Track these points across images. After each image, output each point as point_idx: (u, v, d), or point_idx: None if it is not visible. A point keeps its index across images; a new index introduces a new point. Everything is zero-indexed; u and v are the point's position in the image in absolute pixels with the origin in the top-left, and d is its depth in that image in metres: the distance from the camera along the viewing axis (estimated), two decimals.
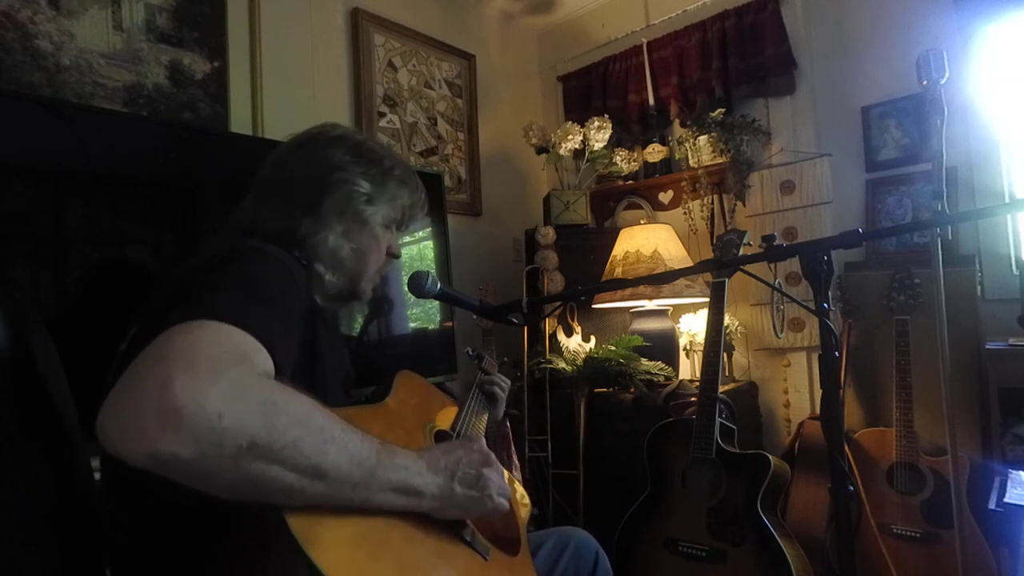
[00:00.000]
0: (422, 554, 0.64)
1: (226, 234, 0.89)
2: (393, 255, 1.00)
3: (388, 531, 0.61)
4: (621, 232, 2.24)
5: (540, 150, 2.40)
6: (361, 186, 0.90)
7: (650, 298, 2.11)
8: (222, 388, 0.50)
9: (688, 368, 2.32)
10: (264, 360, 0.58)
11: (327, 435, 0.56)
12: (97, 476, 0.74)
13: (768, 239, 0.95)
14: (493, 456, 0.75)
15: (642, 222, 2.41)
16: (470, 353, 1.32)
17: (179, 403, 0.47)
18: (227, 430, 0.49)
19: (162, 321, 0.55)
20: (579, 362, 2.00)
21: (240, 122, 1.77)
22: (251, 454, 0.50)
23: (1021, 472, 1.41)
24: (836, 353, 0.85)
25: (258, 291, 0.65)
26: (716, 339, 1.64)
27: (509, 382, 1.20)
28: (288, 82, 1.91)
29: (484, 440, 0.77)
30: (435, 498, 0.65)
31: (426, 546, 0.65)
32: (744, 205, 2.26)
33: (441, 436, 0.91)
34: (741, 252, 1.69)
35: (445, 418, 0.99)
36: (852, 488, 0.84)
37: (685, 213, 2.38)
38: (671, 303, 2.17)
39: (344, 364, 0.90)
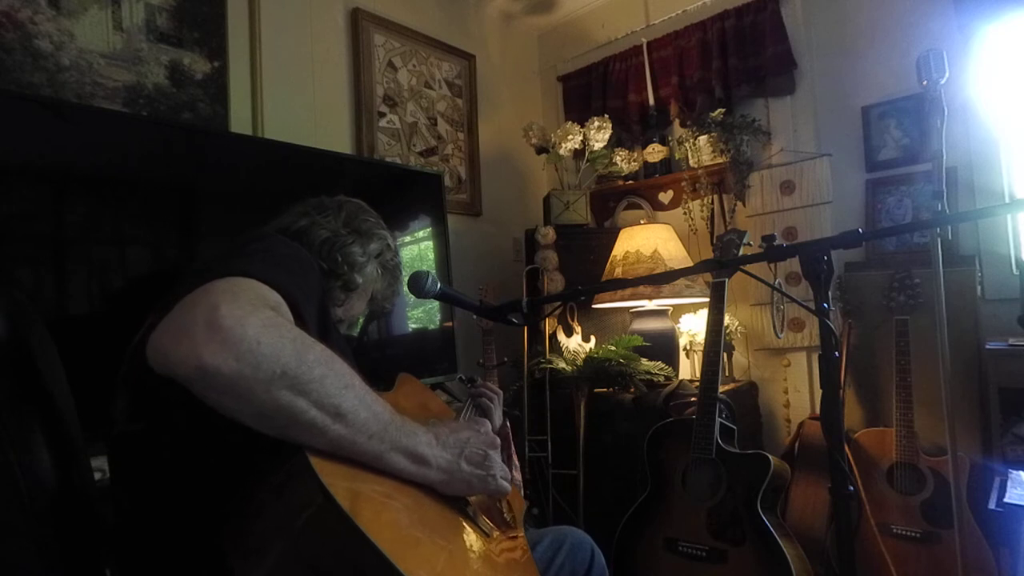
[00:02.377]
0: (431, 514, 0.66)
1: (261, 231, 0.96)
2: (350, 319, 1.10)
3: (398, 488, 0.63)
4: (621, 232, 2.24)
5: (540, 150, 2.40)
6: (392, 245, 1.06)
7: (650, 298, 2.11)
8: (261, 320, 0.56)
9: (688, 368, 2.32)
10: (288, 314, 0.63)
11: (348, 381, 0.61)
12: (98, 476, 0.74)
13: (768, 239, 0.95)
14: (499, 441, 0.78)
15: (642, 222, 2.41)
16: (463, 378, 1.39)
17: (225, 324, 0.53)
18: (264, 356, 0.54)
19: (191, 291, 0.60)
20: (579, 362, 2.00)
21: (240, 122, 1.77)
22: (282, 382, 0.55)
23: (1021, 472, 1.41)
24: (836, 353, 0.85)
25: (283, 265, 0.70)
26: (716, 339, 1.64)
27: (501, 392, 1.23)
28: (288, 82, 1.92)
29: (490, 424, 0.80)
30: (441, 471, 0.68)
31: (434, 508, 0.67)
32: (744, 205, 2.26)
33: None
34: (741, 252, 1.69)
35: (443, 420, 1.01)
36: (852, 488, 0.84)
37: (685, 213, 2.38)
38: (671, 303, 2.17)
39: (351, 364, 0.92)
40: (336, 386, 0.59)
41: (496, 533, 0.79)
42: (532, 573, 0.82)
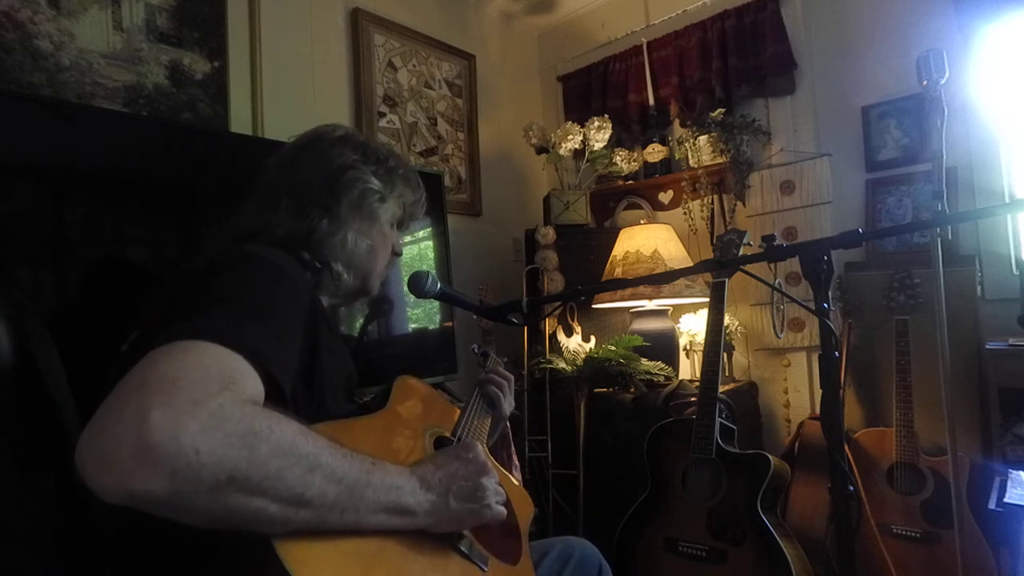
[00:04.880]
0: (416, 568, 0.64)
1: (226, 240, 0.88)
2: (396, 253, 1.02)
3: (381, 545, 0.61)
4: (621, 232, 2.24)
5: (540, 150, 2.40)
6: (373, 184, 0.92)
7: (650, 298, 2.11)
8: (201, 421, 0.48)
9: (688, 368, 2.32)
10: (252, 385, 0.56)
11: (313, 462, 0.55)
12: None
13: (768, 239, 0.95)
14: (489, 464, 0.75)
15: (642, 222, 2.41)
16: (475, 350, 1.30)
17: (155, 439, 0.46)
18: (204, 465, 0.48)
19: (156, 334, 0.55)
20: (579, 362, 2.00)
21: (240, 122, 1.77)
22: (230, 487, 0.49)
23: (1021, 472, 1.41)
24: (836, 353, 0.85)
25: (256, 303, 0.64)
26: (716, 339, 1.64)
27: (511, 377, 1.14)
28: (288, 82, 1.91)
29: (480, 446, 0.76)
30: (429, 515, 0.66)
31: (421, 559, 0.65)
32: (744, 205, 2.26)
33: (441, 442, 0.89)
34: (741, 252, 1.69)
35: (447, 422, 0.97)
36: (852, 488, 0.84)
37: (685, 213, 2.38)
38: (671, 303, 2.17)
39: (345, 365, 0.89)
40: (298, 474, 0.53)
41: (493, 562, 0.75)
42: None
